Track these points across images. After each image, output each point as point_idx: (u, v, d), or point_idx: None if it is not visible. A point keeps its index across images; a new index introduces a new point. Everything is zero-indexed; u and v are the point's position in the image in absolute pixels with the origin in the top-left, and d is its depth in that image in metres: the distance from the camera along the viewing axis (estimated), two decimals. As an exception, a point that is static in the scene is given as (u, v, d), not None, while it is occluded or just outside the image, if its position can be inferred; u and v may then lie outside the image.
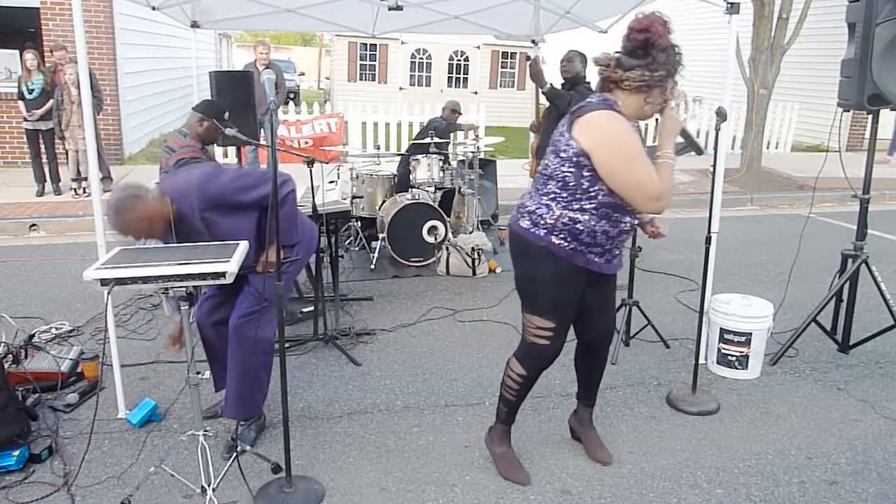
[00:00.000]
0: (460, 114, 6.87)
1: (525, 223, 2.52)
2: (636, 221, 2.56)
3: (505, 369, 2.77)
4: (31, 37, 9.64)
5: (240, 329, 2.87)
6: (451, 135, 6.83)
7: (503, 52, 17.65)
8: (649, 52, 2.30)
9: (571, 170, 2.38)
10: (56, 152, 7.90)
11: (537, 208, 2.50)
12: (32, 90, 7.59)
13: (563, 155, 2.40)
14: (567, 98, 4.87)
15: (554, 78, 4.94)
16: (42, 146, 7.78)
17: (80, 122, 7.33)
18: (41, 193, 7.74)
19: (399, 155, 6.84)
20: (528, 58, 5.32)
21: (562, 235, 2.45)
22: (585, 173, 2.36)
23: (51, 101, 7.53)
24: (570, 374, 3.75)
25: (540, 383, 3.57)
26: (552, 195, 2.45)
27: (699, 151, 2.69)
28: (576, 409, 3.04)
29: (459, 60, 17.71)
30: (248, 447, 2.87)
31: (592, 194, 2.38)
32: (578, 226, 2.42)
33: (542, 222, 2.47)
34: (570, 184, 2.40)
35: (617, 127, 2.33)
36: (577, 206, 2.42)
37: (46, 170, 7.84)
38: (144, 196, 2.57)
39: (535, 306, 2.58)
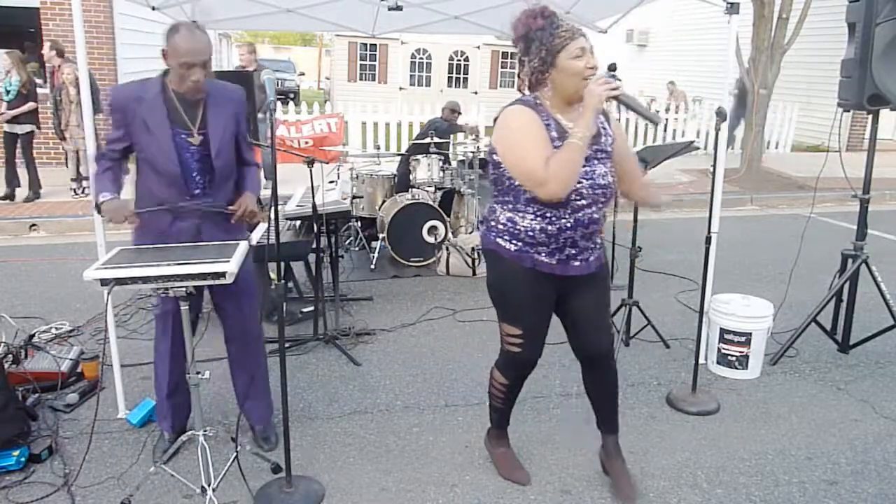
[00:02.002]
0: (460, 113, 6.88)
1: (483, 229, 2.55)
2: (588, 217, 2.37)
3: (489, 378, 2.76)
4: (31, 37, 9.64)
5: (252, 340, 2.93)
6: (452, 136, 6.84)
7: (503, 52, 17.66)
8: (519, 45, 2.36)
9: (495, 170, 2.42)
10: (34, 157, 7.62)
11: (489, 213, 2.53)
12: (9, 91, 7.35)
13: (490, 157, 2.44)
14: None
15: None
16: (19, 150, 7.49)
17: (79, 121, 7.33)
18: (9, 197, 7.45)
19: (399, 155, 6.84)
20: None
21: (505, 237, 2.44)
22: (503, 169, 2.38)
23: (28, 105, 7.33)
24: (569, 374, 3.76)
25: (540, 383, 3.59)
26: (495, 198, 2.49)
27: (654, 121, 2.53)
28: (602, 441, 2.80)
29: (459, 60, 17.71)
30: (247, 447, 2.88)
31: (520, 190, 2.36)
32: (518, 226, 2.40)
33: (492, 226, 2.49)
34: (498, 184, 2.43)
35: (510, 118, 2.34)
36: (511, 206, 2.41)
37: (29, 175, 7.56)
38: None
39: (501, 313, 2.57)
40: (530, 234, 2.40)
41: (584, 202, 2.35)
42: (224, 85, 2.74)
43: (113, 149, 2.65)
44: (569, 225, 2.37)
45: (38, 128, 7.69)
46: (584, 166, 2.32)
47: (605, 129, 2.45)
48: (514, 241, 2.43)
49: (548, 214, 2.36)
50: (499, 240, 2.45)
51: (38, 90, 9.00)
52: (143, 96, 2.59)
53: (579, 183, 2.32)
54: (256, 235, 3.87)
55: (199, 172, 2.66)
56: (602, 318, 2.59)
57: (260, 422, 3.04)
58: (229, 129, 2.70)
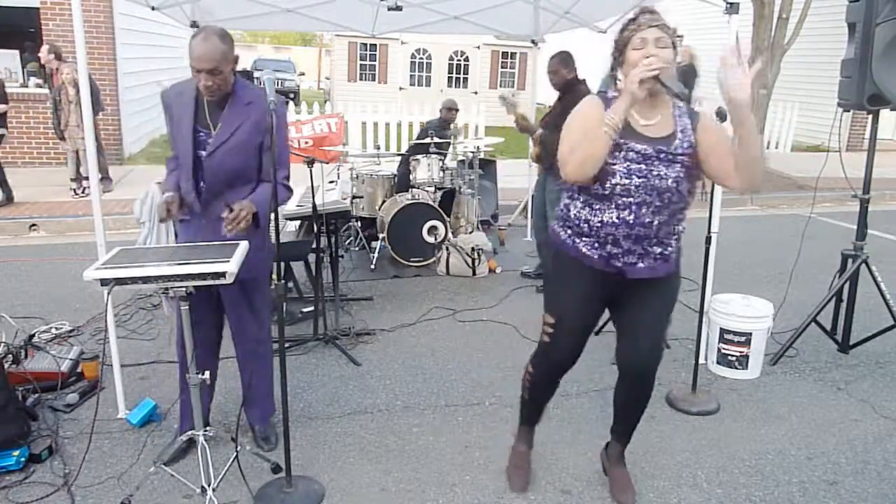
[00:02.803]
0: (457, 110, 6.84)
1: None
2: (635, 217, 2.27)
3: (524, 369, 2.75)
4: (31, 37, 9.64)
5: (250, 343, 2.90)
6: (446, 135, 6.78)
7: (503, 52, 17.66)
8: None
9: None
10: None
11: (559, 202, 2.55)
12: None
13: None
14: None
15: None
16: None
17: (79, 122, 7.32)
18: (9, 200, 7.24)
19: (399, 155, 6.84)
20: (502, 97, 5.33)
21: (561, 223, 2.46)
22: None
23: None
24: (570, 374, 3.74)
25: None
26: (561, 185, 2.50)
27: (681, 98, 2.36)
28: (608, 442, 2.80)
29: (459, 60, 17.71)
30: (247, 447, 2.87)
31: None
32: (570, 213, 2.41)
33: (556, 213, 2.52)
34: None
35: (577, 107, 2.37)
36: (568, 194, 2.43)
37: None
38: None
39: (544, 299, 2.57)
40: (577, 222, 2.39)
41: (630, 200, 2.26)
42: (258, 93, 2.70)
43: (173, 147, 2.77)
44: (610, 220, 2.30)
45: (7, 130, 7.42)
46: (640, 163, 2.25)
47: (683, 132, 2.31)
48: (566, 229, 2.44)
49: (594, 205, 2.33)
50: (556, 225, 2.48)
51: (38, 90, 9.05)
52: (183, 92, 2.70)
53: (628, 179, 2.24)
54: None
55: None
56: (650, 331, 2.42)
57: (259, 422, 3.04)
58: (244, 135, 2.67)
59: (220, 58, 2.52)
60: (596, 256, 2.38)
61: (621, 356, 2.50)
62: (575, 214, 2.39)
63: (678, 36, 2.29)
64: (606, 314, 2.57)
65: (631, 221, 2.29)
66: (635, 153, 2.27)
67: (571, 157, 2.22)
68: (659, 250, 2.37)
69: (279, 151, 2.73)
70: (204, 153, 2.67)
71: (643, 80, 2.15)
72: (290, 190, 2.84)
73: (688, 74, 10.34)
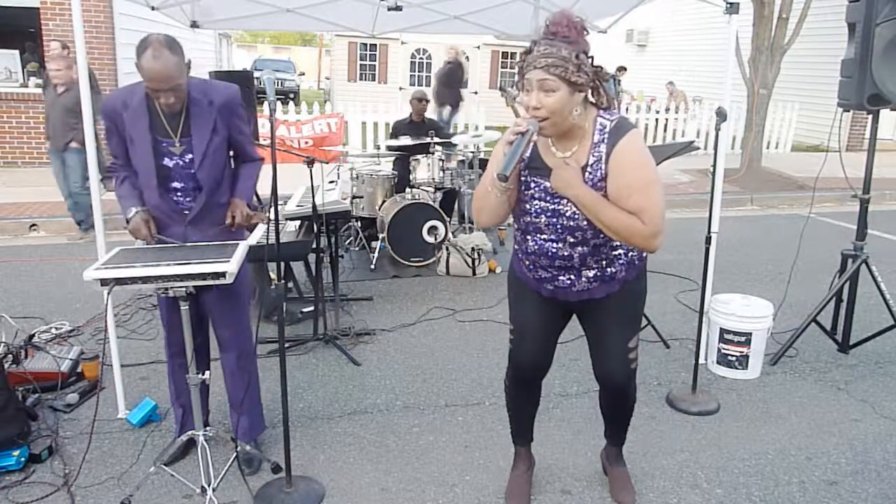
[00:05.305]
0: (428, 101, 6.79)
1: None
2: (551, 251, 2.24)
3: None
4: (31, 37, 9.65)
5: (242, 363, 2.84)
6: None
7: (503, 52, 17.68)
8: None
9: None
10: None
11: None
12: None
13: None
14: None
15: None
16: None
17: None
18: None
19: (398, 154, 6.83)
20: (501, 89, 5.32)
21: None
22: None
23: None
24: (569, 374, 3.76)
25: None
26: None
27: (501, 179, 2.08)
28: (605, 447, 2.82)
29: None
30: (248, 447, 2.87)
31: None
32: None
33: None
34: None
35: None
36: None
37: None
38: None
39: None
40: (516, 243, 2.43)
41: (544, 236, 2.24)
42: (211, 86, 2.61)
43: (118, 156, 2.63)
44: (532, 250, 2.29)
45: None
46: (547, 201, 2.18)
47: (595, 163, 2.12)
48: (516, 244, 2.46)
49: (523, 232, 2.33)
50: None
51: (38, 90, 9.05)
52: (129, 102, 2.52)
53: (537, 218, 2.22)
54: (255, 236, 3.87)
55: (182, 180, 2.59)
56: (614, 348, 2.39)
57: (242, 437, 2.91)
58: (220, 134, 2.59)
59: (177, 73, 2.38)
60: (531, 278, 2.37)
61: (595, 372, 2.48)
62: (514, 235, 2.41)
63: (577, 62, 1.99)
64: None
65: (549, 254, 2.25)
66: (542, 191, 2.19)
67: (473, 203, 2.28)
68: (592, 273, 2.29)
69: (245, 144, 2.73)
70: (170, 162, 2.56)
71: (510, 143, 2.03)
72: (261, 160, 2.82)
73: (453, 74, 10.72)
